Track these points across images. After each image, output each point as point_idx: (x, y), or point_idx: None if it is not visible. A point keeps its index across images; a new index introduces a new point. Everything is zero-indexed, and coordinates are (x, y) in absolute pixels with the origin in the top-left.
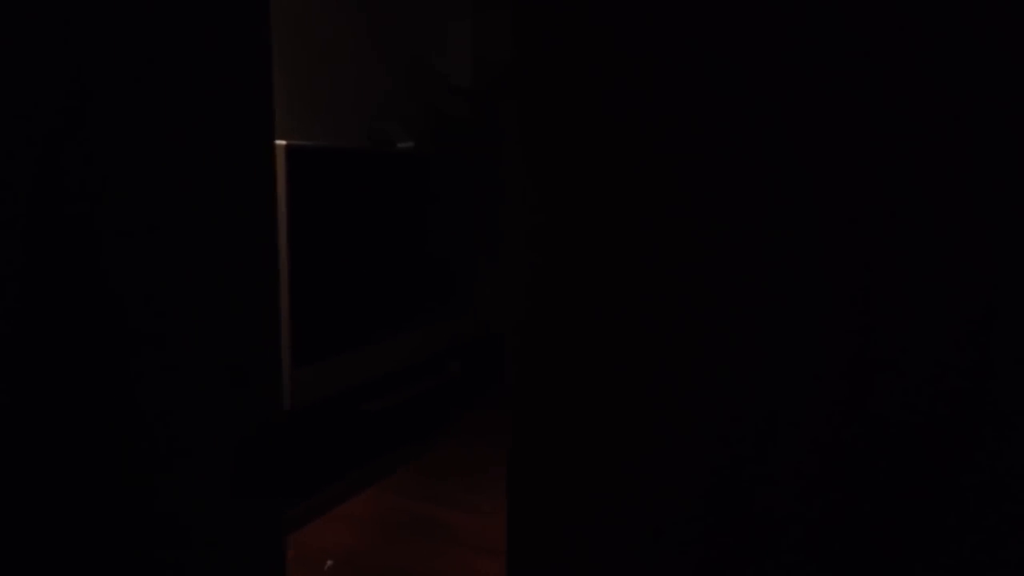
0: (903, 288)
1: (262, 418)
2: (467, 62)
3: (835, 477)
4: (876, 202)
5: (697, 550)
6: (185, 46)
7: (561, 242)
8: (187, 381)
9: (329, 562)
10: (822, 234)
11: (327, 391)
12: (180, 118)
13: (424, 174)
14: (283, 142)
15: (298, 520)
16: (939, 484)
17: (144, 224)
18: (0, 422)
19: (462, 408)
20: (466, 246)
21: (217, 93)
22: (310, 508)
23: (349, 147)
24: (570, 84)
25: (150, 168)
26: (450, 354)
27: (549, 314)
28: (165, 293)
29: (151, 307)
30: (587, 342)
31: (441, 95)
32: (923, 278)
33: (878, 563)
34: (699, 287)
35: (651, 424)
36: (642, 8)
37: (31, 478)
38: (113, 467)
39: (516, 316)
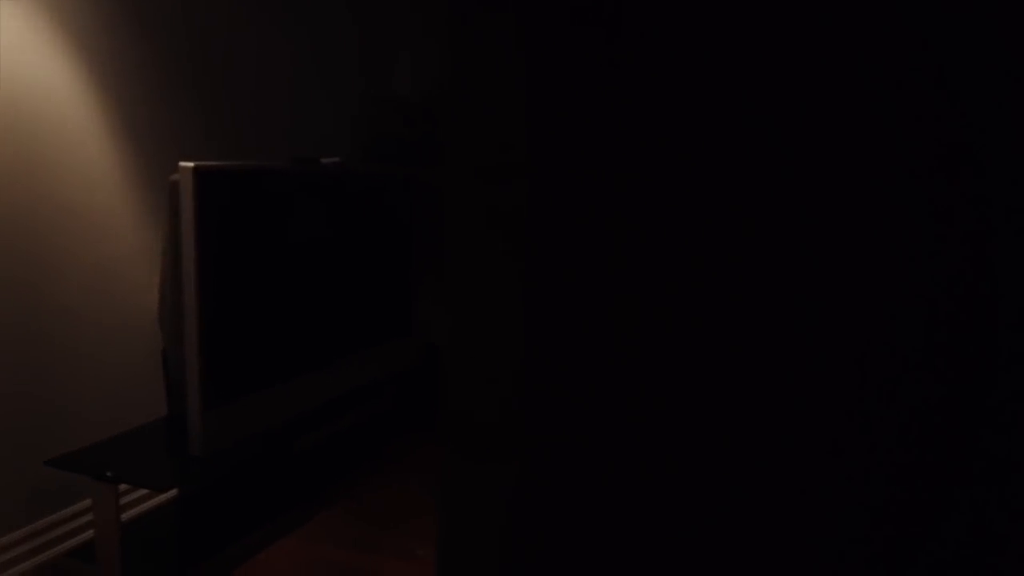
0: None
1: None
2: (405, 72)
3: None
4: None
5: None
6: None
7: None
8: None
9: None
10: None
11: (248, 431)
12: None
13: (352, 191)
14: (190, 164)
15: (219, 572)
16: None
17: None
18: None
19: (399, 442)
20: (402, 265)
21: None
22: (230, 559)
23: (266, 166)
24: (514, 90)
25: None
26: (387, 383)
27: (486, 336)
28: None
29: None
30: (536, 366)
31: (375, 107)
32: None
33: None
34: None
35: (613, 474)
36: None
37: None
38: None
39: (452, 340)
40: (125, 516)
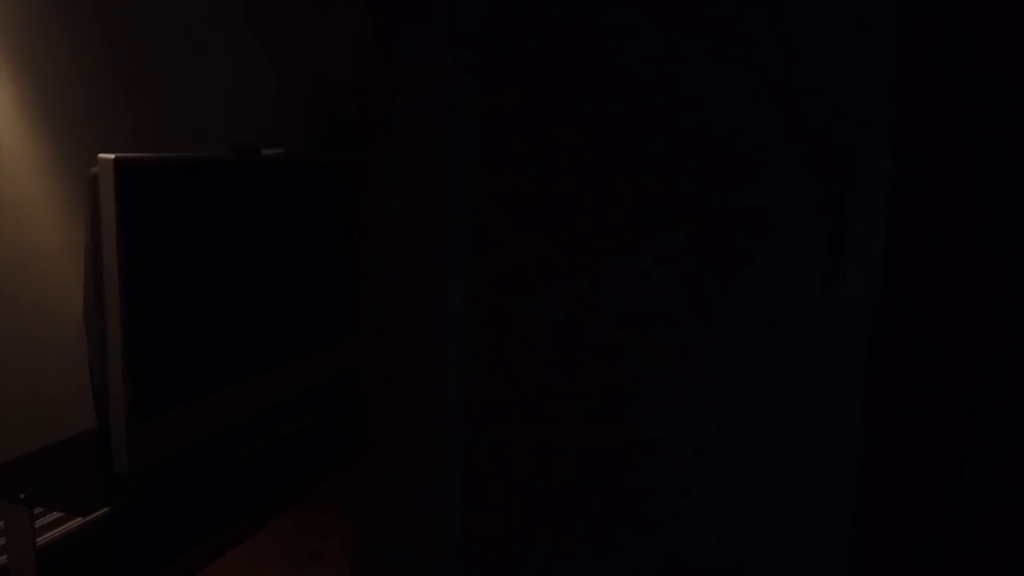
0: None
1: None
2: (346, 53)
3: None
4: None
5: None
6: None
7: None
8: None
9: None
10: None
11: (180, 445)
12: None
13: (295, 183)
14: (111, 156)
15: None
16: None
17: None
18: None
19: (350, 446)
20: (345, 260)
21: None
22: None
23: (198, 157)
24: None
25: None
26: (333, 384)
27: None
28: None
29: None
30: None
31: (320, 92)
32: None
33: None
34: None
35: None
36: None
37: None
38: None
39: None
40: (45, 537)
